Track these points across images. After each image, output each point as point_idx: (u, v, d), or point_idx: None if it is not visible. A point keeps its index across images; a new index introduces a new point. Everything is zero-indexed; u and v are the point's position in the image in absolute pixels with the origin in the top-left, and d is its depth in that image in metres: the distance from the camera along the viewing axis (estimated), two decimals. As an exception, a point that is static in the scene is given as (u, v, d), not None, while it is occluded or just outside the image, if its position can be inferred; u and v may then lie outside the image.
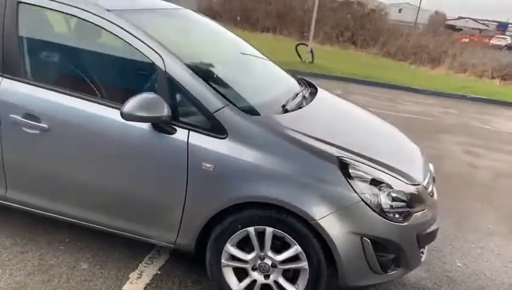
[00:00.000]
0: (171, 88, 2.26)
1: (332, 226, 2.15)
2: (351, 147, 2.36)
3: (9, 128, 2.42)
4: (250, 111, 2.33)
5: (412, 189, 2.33)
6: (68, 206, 2.53)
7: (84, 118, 2.32)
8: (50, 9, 2.43)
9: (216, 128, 2.23)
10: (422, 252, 2.54)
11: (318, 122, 2.65)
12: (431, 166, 2.88)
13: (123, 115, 2.12)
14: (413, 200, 2.32)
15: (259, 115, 2.34)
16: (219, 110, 2.23)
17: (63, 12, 2.42)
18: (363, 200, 2.17)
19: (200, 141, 2.23)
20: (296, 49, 13.18)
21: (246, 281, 2.36)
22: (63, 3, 2.40)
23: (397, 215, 2.25)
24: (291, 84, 3.18)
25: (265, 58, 3.43)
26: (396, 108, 8.87)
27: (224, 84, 2.53)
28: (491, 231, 3.80)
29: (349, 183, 2.17)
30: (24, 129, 2.40)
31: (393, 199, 2.25)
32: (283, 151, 2.21)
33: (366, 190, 2.19)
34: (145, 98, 2.15)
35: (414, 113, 8.55)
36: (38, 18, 2.53)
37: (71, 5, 2.38)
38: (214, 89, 2.29)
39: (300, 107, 2.68)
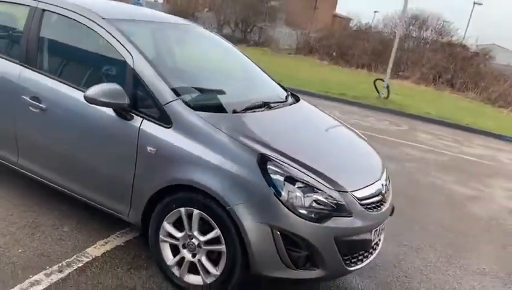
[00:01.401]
0: (135, 81, 2.69)
1: (244, 214, 2.37)
2: (285, 149, 2.57)
3: (22, 107, 3.04)
4: (200, 108, 2.66)
5: (333, 194, 2.46)
6: (55, 174, 3.06)
7: (68, 101, 2.85)
8: (66, 17, 3.03)
9: (164, 119, 2.60)
10: (350, 260, 2.60)
11: (266, 126, 2.89)
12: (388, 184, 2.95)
13: (86, 98, 2.60)
14: (333, 205, 2.45)
15: (207, 112, 2.65)
16: (168, 103, 2.61)
17: (71, 18, 3.00)
18: (275, 195, 2.36)
19: (150, 128, 2.62)
20: (374, 84, 13.14)
21: (177, 257, 2.65)
22: (73, 11, 2.99)
23: (311, 215, 2.39)
24: (271, 94, 3.46)
25: (259, 71, 3.75)
26: (459, 149, 8.45)
27: (187, 84, 2.91)
28: (484, 271, 3.61)
29: (264, 178, 2.38)
30: (30, 108, 2.99)
31: (311, 200, 2.40)
32: (213, 144, 2.50)
33: (280, 187, 2.38)
34: (108, 87, 2.62)
35: (475, 156, 8.08)
36: (53, 23, 3.15)
37: (77, 13, 2.97)
38: (169, 85, 2.67)
39: (257, 111, 2.95)
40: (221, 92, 3.12)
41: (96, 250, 2.94)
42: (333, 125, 3.48)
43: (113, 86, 2.63)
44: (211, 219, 2.48)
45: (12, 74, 3.10)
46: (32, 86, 3.01)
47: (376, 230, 2.72)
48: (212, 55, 3.80)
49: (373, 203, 2.71)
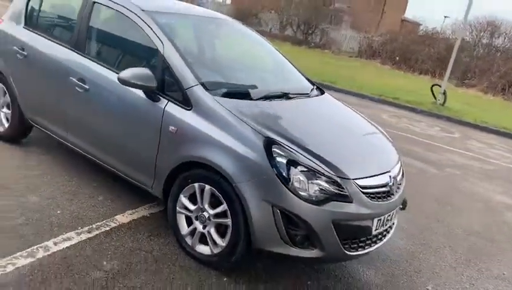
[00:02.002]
0: (164, 67, 2.98)
1: (248, 191, 2.58)
2: (293, 135, 2.75)
3: (70, 87, 3.43)
4: (218, 94, 2.90)
5: (334, 180, 2.60)
6: (94, 148, 3.44)
7: (106, 83, 3.20)
8: (112, 8, 3.39)
9: (185, 102, 2.87)
10: (350, 245, 2.72)
11: (279, 113, 3.06)
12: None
13: (119, 79, 2.93)
14: (333, 190, 2.59)
15: (225, 98, 2.89)
16: (190, 87, 2.88)
17: (115, 10, 3.36)
18: (277, 176, 2.55)
19: (173, 109, 2.90)
20: (431, 89, 12.79)
21: (190, 228, 2.91)
22: (118, 3, 3.35)
23: (311, 197, 2.55)
24: (295, 86, 3.65)
25: (288, 65, 3.94)
26: (511, 159, 8.08)
27: (212, 72, 3.17)
28: (503, 277, 3.56)
29: (268, 160, 2.57)
30: (77, 88, 3.39)
31: (311, 183, 2.56)
32: (226, 127, 2.72)
33: (283, 169, 2.56)
34: (138, 70, 2.93)
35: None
36: (101, 14, 3.53)
37: (121, 5, 3.32)
38: (192, 72, 2.93)
39: (274, 100, 3.15)
40: (243, 81, 3.35)
41: (124, 218, 3.28)
42: (350, 117, 3.61)
43: (143, 70, 2.94)
44: (220, 194, 2.71)
45: (64, 58, 3.51)
46: (79, 69, 3.40)
47: (380, 219, 2.82)
48: (243, 48, 4.05)
49: (377, 193, 2.81)
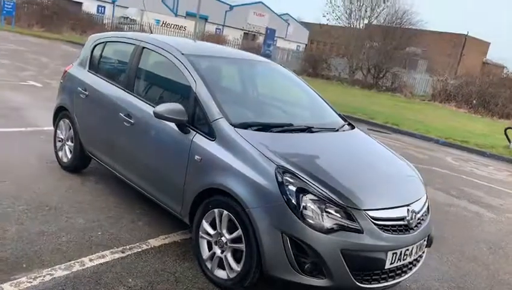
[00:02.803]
0: (195, 102, 3.28)
1: (260, 217, 2.72)
2: (306, 166, 2.88)
3: (119, 122, 3.84)
4: (240, 126, 3.12)
5: (344, 209, 2.66)
6: (136, 176, 3.78)
7: (147, 117, 3.55)
8: (157, 52, 3.81)
9: (210, 133, 3.12)
10: (362, 277, 2.72)
11: (298, 145, 3.21)
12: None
13: (154, 114, 3.25)
14: (342, 219, 2.65)
15: (246, 130, 3.10)
16: (215, 120, 3.13)
17: (160, 54, 3.77)
18: (287, 203, 2.67)
19: (200, 140, 3.16)
20: (505, 132, 12.05)
21: (211, 252, 3.08)
22: (162, 48, 3.76)
23: (318, 225, 2.63)
24: (323, 121, 3.82)
25: (321, 102, 4.12)
26: None
27: (239, 107, 3.42)
28: None
29: (279, 187, 2.71)
30: (124, 123, 3.79)
31: (320, 212, 2.65)
32: (243, 156, 2.92)
33: (292, 196, 2.68)
34: (172, 105, 3.24)
35: None
36: (148, 57, 3.96)
37: (165, 49, 3.72)
38: (219, 106, 3.19)
39: (295, 133, 3.32)
40: (269, 115, 3.56)
41: (156, 241, 3.53)
42: (375, 151, 3.64)
43: (176, 105, 3.25)
44: (235, 220, 2.87)
45: (116, 96, 3.96)
46: (127, 105, 3.81)
47: (395, 253, 2.80)
48: (276, 86, 4.28)
49: (393, 225, 2.81)
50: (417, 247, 2.99)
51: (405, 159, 3.74)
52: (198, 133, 3.19)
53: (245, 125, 3.15)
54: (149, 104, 3.62)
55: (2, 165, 4.57)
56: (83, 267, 3.01)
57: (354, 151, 3.55)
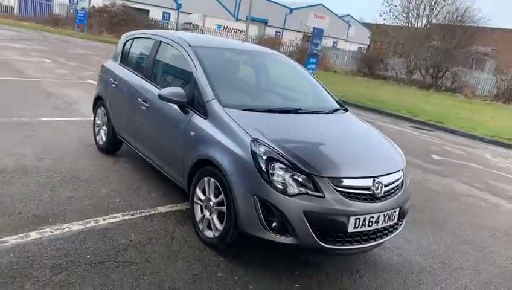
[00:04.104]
0: (195, 86, 3.77)
1: (236, 182, 3.14)
2: (280, 139, 3.25)
3: (138, 106, 4.43)
4: (229, 106, 3.56)
5: (307, 176, 3.02)
6: (150, 153, 4.34)
7: (157, 100, 4.07)
8: (171, 45, 4.36)
9: (204, 112, 3.59)
10: (325, 238, 3.04)
11: (278, 123, 3.60)
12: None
13: (159, 96, 3.78)
14: (305, 184, 3.00)
15: (233, 109, 3.53)
16: (208, 101, 3.60)
17: (172, 46, 4.31)
18: (257, 169, 3.07)
19: (195, 118, 3.64)
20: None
21: (202, 215, 3.54)
22: (175, 41, 4.30)
23: (285, 190, 3.00)
24: (314, 105, 4.18)
25: (319, 89, 4.47)
26: None
27: (232, 91, 3.86)
28: None
29: (252, 156, 3.11)
30: (141, 107, 4.36)
31: (286, 178, 3.02)
32: (228, 131, 3.35)
33: (263, 164, 3.07)
34: (174, 89, 3.75)
35: None
36: (163, 50, 4.51)
37: (176, 42, 4.26)
38: (213, 89, 3.65)
39: (279, 113, 3.73)
40: (259, 99, 3.96)
41: (163, 209, 4.05)
42: (357, 130, 3.96)
43: (177, 89, 3.76)
44: (219, 186, 3.31)
45: (137, 84, 4.56)
46: (144, 91, 4.39)
47: (358, 219, 3.09)
48: (276, 73, 4.67)
49: (356, 193, 3.11)
50: (385, 216, 3.25)
51: (391, 140, 3.97)
52: (195, 113, 3.67)
53: (233, 106, 3.58)
54: (159, 89, 4.16)
55: (49, 146, 5.33)
56: (96, 224, 3.59)
57: (333, 130, 3.86)
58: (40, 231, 3.38)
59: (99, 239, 3.37)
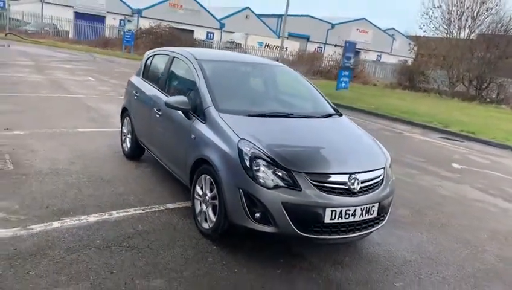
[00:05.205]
0: (197, 94, 4.23)
1: (225, 177, 3.55)
2: (265, 140, 3.61)
3: (153, 114, 4.95)
4: (223, 111, 3.99)
5: (286, 171, 3.37)
6: (163, 156, 4.83)
7: (167, 109, 4.57)
8: (181, 60, 4.88)
9: (203, 118, 4.04)
10: (303, 228, 3.36)
11: (269, 126, 3.98)
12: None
13: (165, 104, 4.27)
14: (284, 179, 3.36)
15: (227, 114, 3.95)
16: (207, 108, 4.05)
17: (182, 60, 4.82)
18: (242, 165, 3.46)
19: (196, 123, 4.09)
20: None
21: (200, 208, 3.96)
22: (184, 56, 4.81)
23: (266, 184, 3.36)
24: (308, 110, 4.57)
25: (317, 97, 4.82)
26: None
27: (229, 98, 4.28)
28: None
29: (239, 154, 3.51)
30: (156, 115, 4.88)
31: (267, 173, 3.39)
32: (220, 133, 3.77)
33: (248, 161, 3.46)
34: (179, 97, 4.24)
35: None
36: (175, 63, 5.02)
37: (185, 56, 4.77)
38: (213, 98, 4.10)
39: (270, 117, 4.11)
40: (252, 104, 4.38)
41: (172, 205, 4.51)
42: (345, 133, 4.26)
43: (182, 97, 4.24)
44: (213, 182, 3.72)
45: (153, 95, 5.09)
46: (158, 101, 4.90)
47: (334, 211, 3.40)
48: (276, 82, 5.07)
49: (332, 188, 3.43)
50: (362, 210, 3.53)
51: (378, 142, 4.24)
52: (197, 118, 4.12)
53: (228, 111, 4.00)
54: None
55: (81, 152, 5.96)
56: (110, 217, 4.10)
57: (320, 132, 4.18)
58: (62, 221, 3.91)
59: (110, 228, 3.86)
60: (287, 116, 4.21)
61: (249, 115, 4.04)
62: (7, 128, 6.69)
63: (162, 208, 4.43)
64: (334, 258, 3.79)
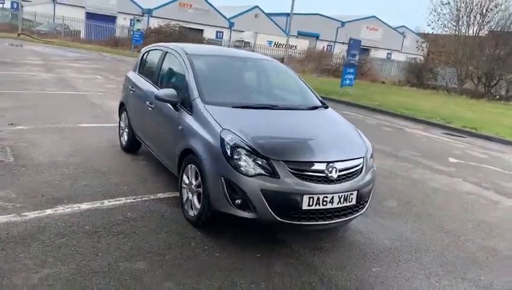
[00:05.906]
0: (186, 87, 4.39)
1: (208, 165, 3.70)
2: (247, 130, 3.75)
3: (146, 107, 5.12)
4: (209, 103, 4.13)
5: (265, 160, 3.51)
6: (155, 147, 5.00)
7: (158, 102, 4.73)
8: (172, 54, 5.04)
9: (190, 109, 4.19)
10: (281, 214, 3.49)
11: (251, 117, 4.11)
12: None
13: (155, 97, 4.43)
14: (263, 166, 3.50)
15: (212, 106, 4.10)
16: (194, 99, 4.20)
17: (173, 54, 4.98)
18: (224, 155, 3.60)
19: (184, 115, 4.24)
20: None
21: (186, 197, 4.11)
22: (175, 51, 4.97)
23: (245, 171, 3.50)
24: (294, 103, 4.71)
25: (304, 89, 4.96)
26: None
27: (215, 90, 4.42)
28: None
29: (221, 143, 3.65)
30: (149, 108, 5.05)
31: (247, 161, 3.53)
32: (205, 124, 3.92)
33: (229, 150, 3.60)
34: (167, 90, 4.39)
35: None
36: (167, 58, 5.18)
37: (176, 51, 4.93)
38: (200, 90, 4.25)
39: (254, 109, 4.26)
40: (238, 96, 4.51)
41: (162, 195, 4.67)
42: (327, 123, 4.39)
43: (171, 90, 4.39)
44: (198, 171, 3.87)
45: (146, 89, 5.26)
46: (151, 95, 5.06)
47: (311, 198, 3.52)
48: (265, 76, 5.22)
49: (310, 175, 3.55)
50: (340, 197, 3.65)
51: (360, 132, 4.36)
52: (185, 110, 4.28)
53: (213, 103, 4.15)
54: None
55: (80, 146, 6.16)
56: (101, 205, 4.27)
57: (302, 122, 4.31)
58: (55, 208, 4.09)
59: (100, 216, 4.03)
60: (271, 108, 4.35)
61: (234, 107, 4.18)
62: (11, 124, 6.92)
63: (152, 197, 4.60)
64: (314, 245, 3.91)
